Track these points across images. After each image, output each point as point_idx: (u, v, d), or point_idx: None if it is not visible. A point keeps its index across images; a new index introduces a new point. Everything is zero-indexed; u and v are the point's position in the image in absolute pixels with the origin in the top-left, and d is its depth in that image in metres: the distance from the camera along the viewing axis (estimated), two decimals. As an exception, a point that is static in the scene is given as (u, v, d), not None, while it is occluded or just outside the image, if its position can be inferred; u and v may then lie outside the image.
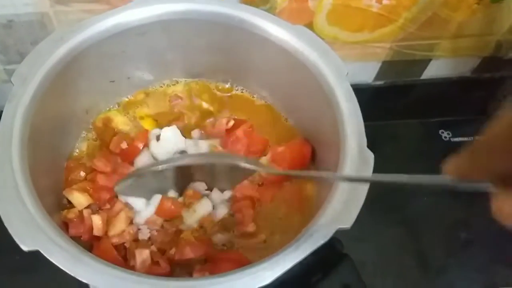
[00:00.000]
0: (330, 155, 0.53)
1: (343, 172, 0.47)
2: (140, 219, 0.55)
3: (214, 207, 0.57)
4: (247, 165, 0.49)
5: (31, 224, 0.41)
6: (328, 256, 0.55)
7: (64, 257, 0.40)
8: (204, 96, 0.68)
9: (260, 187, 0.59)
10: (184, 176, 0.54)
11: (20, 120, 0.47)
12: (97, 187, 0.56)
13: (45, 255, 0.40)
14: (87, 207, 0.55)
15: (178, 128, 0.62)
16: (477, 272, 0.65)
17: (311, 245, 0.42)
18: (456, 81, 0.87)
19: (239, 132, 0.61)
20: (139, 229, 0.54)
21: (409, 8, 0.70)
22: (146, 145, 0.61)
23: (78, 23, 0.54)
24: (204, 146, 0.61)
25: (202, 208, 0.56)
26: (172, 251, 0.52)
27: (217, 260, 0.52)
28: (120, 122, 0.64)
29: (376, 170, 0.47)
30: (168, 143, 0.60)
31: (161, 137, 0.61)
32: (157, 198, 0.55)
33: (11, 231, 0.41)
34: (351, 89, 0.53)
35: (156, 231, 0.55)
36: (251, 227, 0.55)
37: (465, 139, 0.79)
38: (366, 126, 0.50)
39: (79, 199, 0.54)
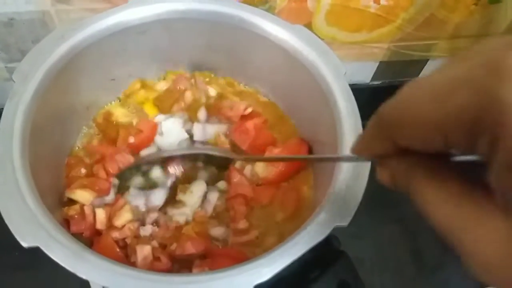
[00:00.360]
0: (327, 148, 0.54)
1: (341, 171, 0.48)
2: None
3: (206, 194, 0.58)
4: (223, 154, 0.57)
5: (31, 220, 0.41)
6: (326, 253, 0.55)
7: (64, 253, 0.40)
8: (210, 84, 0.68)
9: (257, 188, 0.59)
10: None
11: (21, 117, 0.47)
12: (97, 179, 0.57)
13: (45, 251, 0.40)
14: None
15: (183, 110, 0.64)
16: (472, 269, 0.66)
17: (309, 242, 0.42)
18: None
19: (250, 124, 0.61)
20: (141, 226, 0.55)
21: (407, 9, 0.71)
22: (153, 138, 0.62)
23: (79, 22, 0.55)
24: (211, 131, 0.63)
25: (198, 188, 0.58)
26: (173, 246, 0.52)
27: (216, 256, 0.52)
28: (121, 114, 0.64)
29: (374, 169, 0.47)
30: (170, 134, 0.61)
31: (162, 129, 0.62)
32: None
33: (11, 227, 0.41)
34: (349, 88, 0.53)
35: (158, 226, 0.55)
36: (242, 224, 0.56)
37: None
38: (363, 126, 0.51)
39: (84, 195, 0.55)
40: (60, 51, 0.53)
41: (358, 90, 0.53)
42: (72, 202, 0.55)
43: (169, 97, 0.65)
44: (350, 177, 0.47)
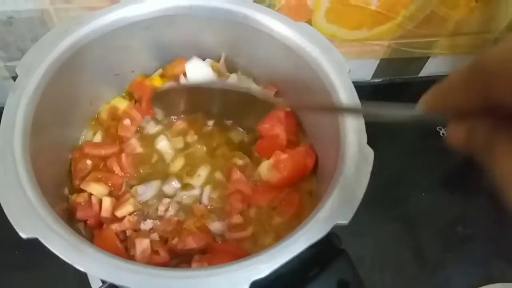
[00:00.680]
0: (330, 152, 0.53)
1: (343, 170, 0.47)
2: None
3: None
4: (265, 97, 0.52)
5: (30, 212, 0.42)
6: (326, 251, 0.55)
7: (63, 245, 0.40)
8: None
9: (258, 188, 0.59)
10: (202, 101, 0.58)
11: (23, 110, 0.47)
12: (111, 174, 0.58)
13: (43, 242, 0.40)
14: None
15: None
16: (474, 266, 0.66)
17: (309, 239, 0.42)
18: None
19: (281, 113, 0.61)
20: (142, 221, 0.55)
21: (407, 6, 0.71)
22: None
23: (83, 16, 0.55)
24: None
25: (203, 171, 0.59)
26: (175, 240, 0.52)
27: (216, 252, 0.52)
28: (128, 108, 0.64)
29: (374, 166, 0.47)
30: (195, 75, 0.62)
31: (186, 71, 0.62)
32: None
33: (10, 218, 0.41)
34: (352, 85, 0.53)
35: (159, 220, 0.55)
36: (236, 219, 0.56)
37: (463, 136, 0.79)
38: (365, 123, 0.51)
39: (98, 188, 0.55)
40: (63, 45, 0.53)
41: (358, 88, 0.53)
42: (75, 195, 0.56)
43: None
44: (352, 176, 0.46)
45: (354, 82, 0.53)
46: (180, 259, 0.52)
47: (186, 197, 0.58)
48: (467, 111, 0.24)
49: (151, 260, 0.50)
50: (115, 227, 0.53)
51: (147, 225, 0.54)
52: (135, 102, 0.64)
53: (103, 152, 0.59)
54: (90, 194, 0.55)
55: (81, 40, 0.54)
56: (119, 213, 0.54)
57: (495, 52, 0.22)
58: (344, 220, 0.43)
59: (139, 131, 0.62)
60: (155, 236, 0.53)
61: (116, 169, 0.58)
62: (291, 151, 0.60)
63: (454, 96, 0.25)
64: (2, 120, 0.47)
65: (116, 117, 0.63)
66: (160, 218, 0.56)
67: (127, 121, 0.61)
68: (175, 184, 0.58)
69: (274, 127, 0.60)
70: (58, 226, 0.41)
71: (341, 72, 0.54)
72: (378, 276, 0.64)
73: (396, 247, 0.68)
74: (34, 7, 0.63)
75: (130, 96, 0.65)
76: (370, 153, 0.48)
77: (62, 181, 0.58)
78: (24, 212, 0.41)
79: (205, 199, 0.57)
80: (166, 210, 0.56)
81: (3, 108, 0.48)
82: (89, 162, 0.58)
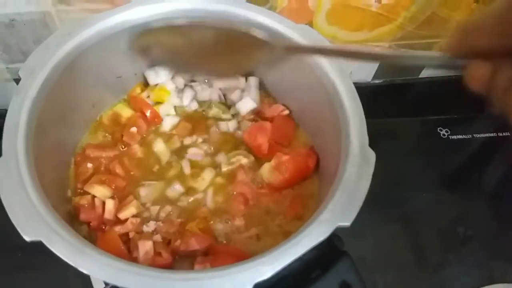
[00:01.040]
0: (331, 154, 0.53)
1: (344, 172, 0.47)
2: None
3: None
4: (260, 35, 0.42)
5: (34, 215, 0.42)
6: (328, 253, 0.55)
7: (66, 248, 0.40)
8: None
9: (259, 190, 0.59)
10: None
11: (27, 112, 0.48)
12: (114, 176, 0.58)
13: (47, 245, 0.40)
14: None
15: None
16: (475, 267, 0.66)
17: (311, 241, 0.42)
18: (455, 80, 0.87)
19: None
20: (146, 224, 0.55)
21: (408, 7, 0.71)
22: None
23: (86, 19, 0.55)
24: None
25: (207, 174, 0.60)
26: (178, 242, 0.53)
27: (218, 253, 0.52)
28: (130, 115, 0.65)
29: (375, 166, 0.47)
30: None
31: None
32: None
33: (14, 221, 0.41)
34: (354, 88, 0.53)
35: (162, 222, 0.55)
36: (238, 221, 0.56)
37: (464, 136, 0.80)
38: (367, 126, 0.51)
39: (102, 191, 0.56)
40: (66, 48, 0.53)
41: (359, 89, 0.53)
42: (78, 197, 0.56)
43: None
44: (354, 178, 0.47)
45: (354, 83, 0.54)
46: (182, 261, 0.53)
47: (190, 201, 0.58)
48: (494, 53, 0.24)
49: (154, 262, 0.51)
50: (118, 229, 0.53)
51: (150, 226, 0.54)
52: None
53: (104, 154, 0.60)
54: (93, 196, 0.56)
55: (84, 43, 0.54)
56: (122, 215, 0.54)
57: None
58: (346, 222, 0.44)
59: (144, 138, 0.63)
60: (157, 237, 0.53)
61: (120, 171, 0.58)
62: (292, 153, 0.60)
63: (484, 35, 0.25)
64: (6, 123, 0.47)
65: (119, 123, 0.64)
66: (163, 219, 0.56)
67: (133, 129, 0.62)
68: (178, 188, 0.58)
69: (258, 136, 0.61)
70: (62, 229, 0.42)
71: (343, 75, 0.54)
72: (379, 277, 0.64)
73: (397, 247, 0.68)
74: (36, 10, 0.63)
75: (131, 105, 0.66)
76: (372, 155, 0.48)
77: (65, 183, 0.58)
78: (28, 215, 0.42)
79: (209, 203, 0.58)
80: (169, 213, 0.57)
81: (4, 110, 0.48)
82: (90, 165, 0.59)
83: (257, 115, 0.66)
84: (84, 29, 0.54)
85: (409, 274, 0.65)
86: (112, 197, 0.56)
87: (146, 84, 0.67)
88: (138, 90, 0.67)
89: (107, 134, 0.63)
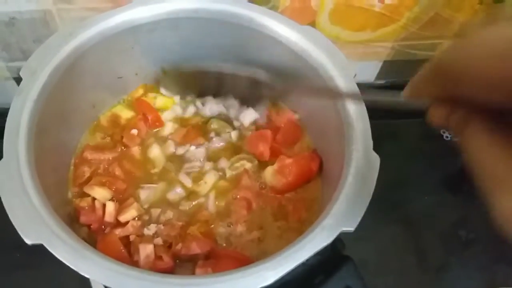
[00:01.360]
0: (335, 157, 0.53)
1: (348, 175, 0.47)
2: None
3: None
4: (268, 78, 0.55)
5: (35, 218, 0.42)
6: (330, 258, 0.55)
7: (67, 251, 0.40)
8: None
9: (262, 193, 0.59)
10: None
11: (28, 113, 0.47)
12: (114, 178, 0.57)
13: (48, 248, 0.40)
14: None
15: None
16: (477, 271, 0.66)
17: (314, 246, 0.42)
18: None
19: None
20: (147, 227, 0.55)
21: (411, 8, 0.70)
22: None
23: (87, 19, 0.55)
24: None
25: (210, 177, 0.59)
26: (179, 246, 0.52)
27: (219, 257, 0.52)
28: (130, 116, 0.64)
29: (383, 167, 0.47)
30: None
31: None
32: None
33: (15, 224, 0.41)
34: (358, 90, 0.52)
35: (163, 225, 0.55)
36: (240, 227, 0.56)
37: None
38: (371, 128, 0.50)
39: (102, 193, 0.55)
40: (68, 48, 0.53)
41: (361, 90, 0.53)
42: (79, 198, 0.56)
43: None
44: (358, 182, 0.46)
45: (357, 84, 0.53)
46: (183, 264, 0.52)
47: (191, 205, 0.57)
48: (442, 99, 0.27)
49: (155, 266, 0.50)
50: (119, 232, 0.53)
51: (151, 229, 0.54)
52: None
53: (103, 156, 0.59)
54: (94, 199, 0.55)
55: (85, 43, 0.54)
56: (122, 218, 0.54)
57: (452, 56, 0.25)
58: (350, 227, 0.43)
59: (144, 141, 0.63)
60: (158, 241, 0.53)
61: (120, 174, 0.58)
62: (295, 156, 0.59)
63: (426, 87, 0.28)
64: (7, 124, 0.46)
65: (118, 124, 0.63)
66: (164, 222, 0.55)
67: (134, 131, 0.62)
68: (179, 191, 0.58)
69: (259, 145, 0.61)
70: (63, 232, 0.41)
71: (347, 77, 0.53)
72: (381, 280, 0.64)
73: (399, 250, 0.67)
74: (37, 8, 0.62)
75: (134, 107, 0.66)
76: (376, 159, 0.48)
77: (66, 185, 0.57)
78: (29, 218, 0.41)
79: (211, 207, 0.57)
80: (169, 217, 0.56)
81: (4, 108, 0.47)
82: (86, 168, 0.58)
83: (266, 123, 0.65)
84: (86, 30, 0.54)
85: (411, 277, 0.65)
86: (112, 199, 0.56)
87: (148, 86, 0.67)
88: (141, 91, 0.66)
89: (106, 136, 0.62)
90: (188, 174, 0.60)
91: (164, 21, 0.57)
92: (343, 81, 0.53)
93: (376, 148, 0.48)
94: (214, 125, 0.64)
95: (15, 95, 0.48)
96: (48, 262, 0.40)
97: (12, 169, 0.44)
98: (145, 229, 0.54)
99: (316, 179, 0.60)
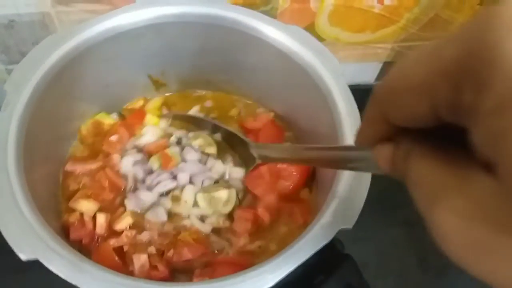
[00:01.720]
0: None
1: (343, 175, 0.47)
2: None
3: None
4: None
5: (29, 232, 0.41)
6: (330, 257, 0.55)
7: (64, 265, 0.40)
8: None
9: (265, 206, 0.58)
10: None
11: (15, 127, 0.47)
12: (101, 189, 0.56)
13: (44, 264, 0.40)
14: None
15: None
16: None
17: (314, 247, 0.41)
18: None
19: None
20: (140, 234, 0.54)
21: (411, 9, 0.70)
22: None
23: (70, 28, 0.54)
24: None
25: (188, 194, 0.56)
26: (170, 252, 0.52)
27: (216, 265, 0.52)
28: (117, 125, 0.63)
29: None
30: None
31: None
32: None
33: (9, 240, 0.40)
34: (347, 87, 0.52)
35: (158, 234, 0.54)
36: (243, 240, 0.55)
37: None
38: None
39: (87, 205, 0.54)
40: (51, 60, 0.52)
41: (361, 91, 0.52)
42: (70, 210, 0.55)
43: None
44: (353, 179, 0.46)
45: (357, 85, 0.53)
46: (180, 275, 0.52)
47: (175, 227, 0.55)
48: (384, 139, 0.26)
49: (150, 276, 0.50)
50: (113, 242, 0.52)
51: (144, 236, 0.53)
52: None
53: (85, 168, 0.58)
54: (82, 213, 0.54)
55: (69, 53, 0.53)
56: (118, 227, 0.53)
57: (383, 80, 0.23)
58: (348, 225, 0.43)
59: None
60: (152, 249, 0.52)
61: (104, 183, 0.56)
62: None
63: (369, 131, 0.27)
64: None
65: (100, 132, 0.61)
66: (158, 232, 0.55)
67: (114, 137, 0.60)
68: (161, 215, 0.55)
69: (258, 188, 0.59)
70: (58, 245, 0.41)
71: (335, 75, 0.53)
72: (382, 282, 0.63)
73: (399, 251, 0.67)
74: (35, 11, 0.62)
75: (122, 116, 0.65)
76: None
77: (57, 195, 0.57)
78: (22, 233, 0.41)
79: (203, 228, 0.55)
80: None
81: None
82: (71, 181, 0.57)
83: (244, 131, 0.64)
84: (69, 40, 0.53)
85: (411, 279, 0.65)
86: (101, 210, 0.55)
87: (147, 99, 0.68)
88: (141, 102, 0.67)
89: (87, 146, 0.61)
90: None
91: (149, 27, 0.57)
92: (333, 80, 0.53)
93: (375, 149, 0.48)
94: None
95: (1, 109, 0.48)
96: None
97: (3, 184, 0.43)
98: (138, 236, 0.53)
99: (312, 180, 0.60)
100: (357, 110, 0.51)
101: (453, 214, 0.19)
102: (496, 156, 0.18)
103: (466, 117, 0.19)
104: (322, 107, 0.53)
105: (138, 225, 0.55)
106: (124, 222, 0.54)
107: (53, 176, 0.58)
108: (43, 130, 0.52)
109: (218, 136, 0.61)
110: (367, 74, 0.84)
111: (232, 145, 0.59)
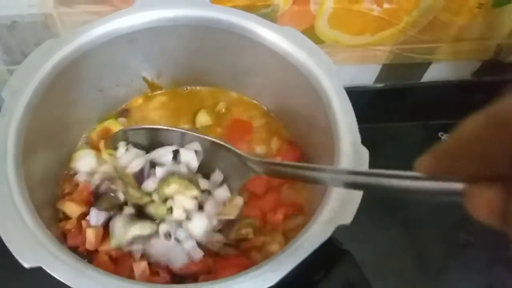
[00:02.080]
0: (324, 156, 0.53)
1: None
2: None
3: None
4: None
5: (31, 240, 0.41)
6: (329, 254, 0.55)
7: (68, 271, 0.40)
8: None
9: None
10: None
11: (14, 135, 0.47)
12: (79, 189, 0.56)
13: (48, 271, 0.40)
14: (84, 218, 0.55)
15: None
16: (476, 273, 0.66)
17: (313, 244, 0.42)
18: (456, 84, 0.87)
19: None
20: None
21: (410, 12, 0.71)
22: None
23: (66, 34, 0.54)
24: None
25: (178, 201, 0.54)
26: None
27: (219, 269, 0.51)
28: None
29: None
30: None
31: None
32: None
33: (11, 248, 0.40)
34: (342, 87, 0.53)
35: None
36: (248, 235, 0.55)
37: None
38: (366, 128, 0.50)
39: (71, 207, 0.54)
40: (48, 66, 0.52)
41: (360, 93, 0.53)
42: (67, 216, 0.55)
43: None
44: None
45: (356, 87, 0.54)
46: (183, 282, 0.51)
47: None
48: (486, 176, 0.20)
49: (152, 282, 0.49)
50: (112, 253, 0.52)
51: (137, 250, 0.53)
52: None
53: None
54: (79, 219, 0.54)
55: (66, 59, 0.53)
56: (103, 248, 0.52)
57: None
58: (346, 221, 0.43)
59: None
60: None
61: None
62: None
63: (467, 155, 0.20)
64: None
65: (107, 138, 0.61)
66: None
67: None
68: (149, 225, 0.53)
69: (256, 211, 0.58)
70: (60, 252, 0.41)
71: (330, 75, 0.53)
72: (381, 282, 0.64)
73: (398, 252, 0.67)
74: (38, 12, 0.63)
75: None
76: (365, 152, 0.48)
77: (57, 201, 0.57)
78: (24, 241, 0.41)
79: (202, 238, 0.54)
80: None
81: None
82: (67, 185, 0.57)
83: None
84: (65, 45, 0.53)
85: (410, 279, 0.65)
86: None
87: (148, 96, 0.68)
88: (140, 101, 0.67)
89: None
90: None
91: (144, 31, 0.57)
92: (328, 81, 0.53)
93: (375, 151, 0.49)
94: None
95: None
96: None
97: (3, 192, 0.43)
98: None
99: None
100: (351, 108, 0.51)
101: None
102: None
103: None
104: (317, 107, 0.54)
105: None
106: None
107: (52, 182, 0.57)
108: (41, 136, 0.52)
109: (199, 148, 0.57)
110: (366, 76, 0.84)
111: (217, 154, 0.55)
